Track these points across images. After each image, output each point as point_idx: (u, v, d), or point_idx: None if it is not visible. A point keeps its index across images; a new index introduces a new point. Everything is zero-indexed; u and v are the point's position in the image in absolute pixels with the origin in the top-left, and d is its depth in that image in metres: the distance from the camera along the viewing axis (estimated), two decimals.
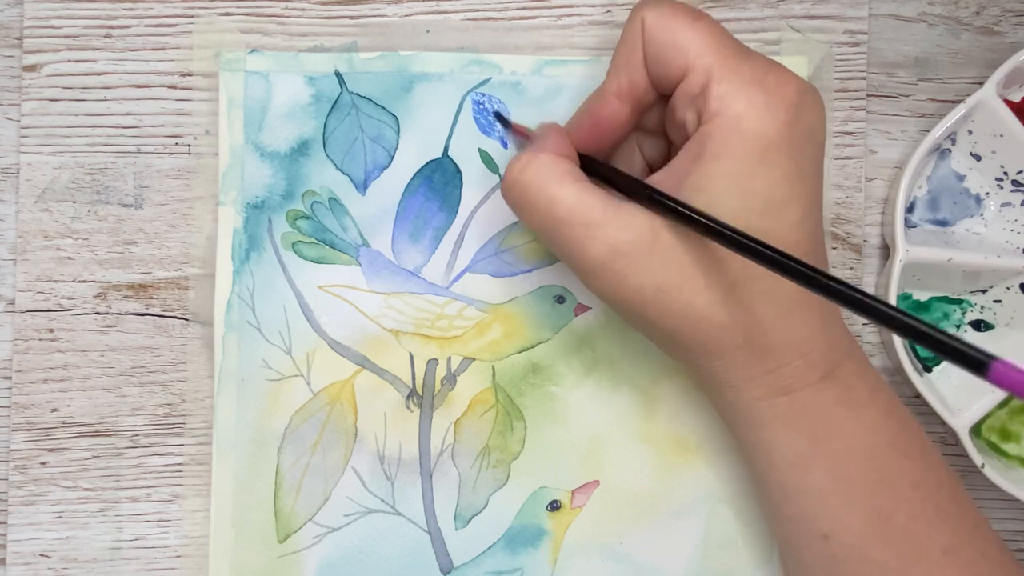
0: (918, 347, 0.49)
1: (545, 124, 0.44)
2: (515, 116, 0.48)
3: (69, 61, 0.48)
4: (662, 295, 0.39)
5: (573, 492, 0.48)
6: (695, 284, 0.39)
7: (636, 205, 0.39)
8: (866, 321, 0.49)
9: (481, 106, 0.48)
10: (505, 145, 0.48)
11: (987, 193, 0.49)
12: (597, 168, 0.42)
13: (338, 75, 0.48)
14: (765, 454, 0.41)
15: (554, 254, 0.42)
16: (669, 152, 0.45)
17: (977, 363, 0.31)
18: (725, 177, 0.38)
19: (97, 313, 0.48)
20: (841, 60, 0.49)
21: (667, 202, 0.38)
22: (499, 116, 0.48)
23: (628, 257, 0.39)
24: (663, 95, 0.42)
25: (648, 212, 0.39)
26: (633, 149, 0.46)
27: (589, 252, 0.39)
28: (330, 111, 0.48)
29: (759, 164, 0.38)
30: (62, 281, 0.48)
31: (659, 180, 0.40)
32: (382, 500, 0.48)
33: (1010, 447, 0.48)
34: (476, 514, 0.48)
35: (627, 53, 0.41)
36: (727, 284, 0.39)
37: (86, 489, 0.48)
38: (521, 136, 0.48)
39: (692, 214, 0.37)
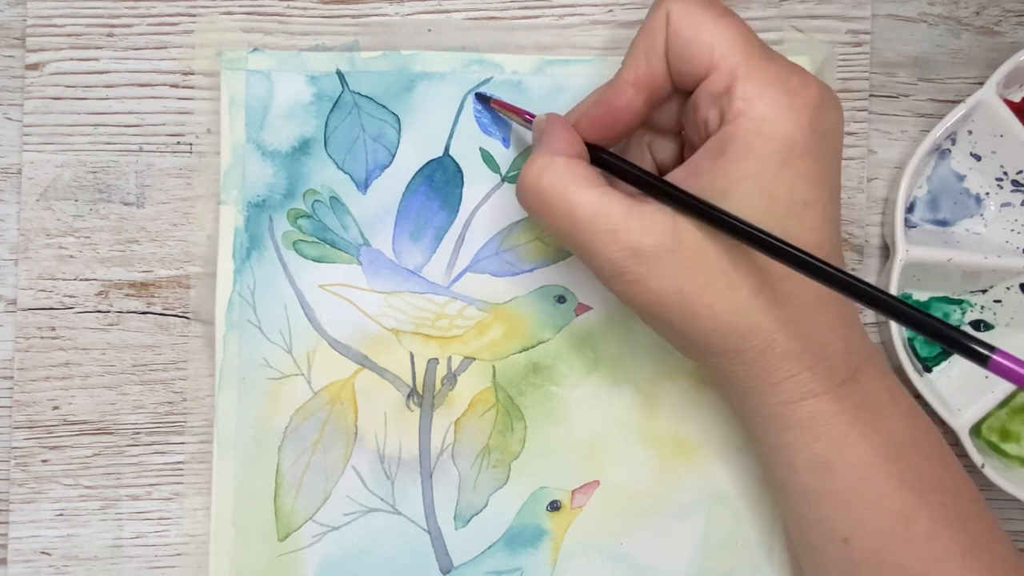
0: (918, 347, 0.49)
1: (548, 116, 0.43)
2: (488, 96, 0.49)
3: (71, 60, 0.48)
4: (683, 298, 0.38)
5: (573, 492, 0.48)
6: (716, 287, 0.38)
7: (656, 206, 0.39)
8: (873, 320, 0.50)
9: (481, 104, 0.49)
10: (507, 144, 0.48)
11: (987, 193, 0.49)
12: (612, 163, 0.42)
13: (339, 74, 0.48)
14: (786, 458, 0.41)
15: (574, 255, 0.41)
16: (681, 153, 0.45)
17: (979, 356, 0.32)
18: (748, 179, 0.38)
19: (99, 311, 0.48)
20: (844, 60, 0.49)
21: (693, 203, 0.38)
22: (480, 96, 0.48)
23: (650, 260, 0.38)
24: (680, 91, 0.42)
25: (669, 213, 0.38)
26: (643, 149, 0.45)
27: (610, 256, 0.38)
28: (331, 110, 0.48)
29: (783, 166, 0.38)
30: (64, 279, 0.48)
31: (677, 179, 0.40)
32: (382, 499, 0.48)
33: (1010, 447, 0.48)
34: (476, 514, 0.48)
35: (647, 43, 0.41)
36: (748, 288, 0.39)
37: (87, 487, 0.48)
38: (506, 112, 0.47)
39: (720, 215, 0.37)
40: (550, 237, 0.48)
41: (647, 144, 0.45)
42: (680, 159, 0.45)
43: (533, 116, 0.45)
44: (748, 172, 0.38)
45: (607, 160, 0.42)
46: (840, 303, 0.40)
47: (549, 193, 0.39)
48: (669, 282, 0.38)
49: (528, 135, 0.48)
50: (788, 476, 0.41)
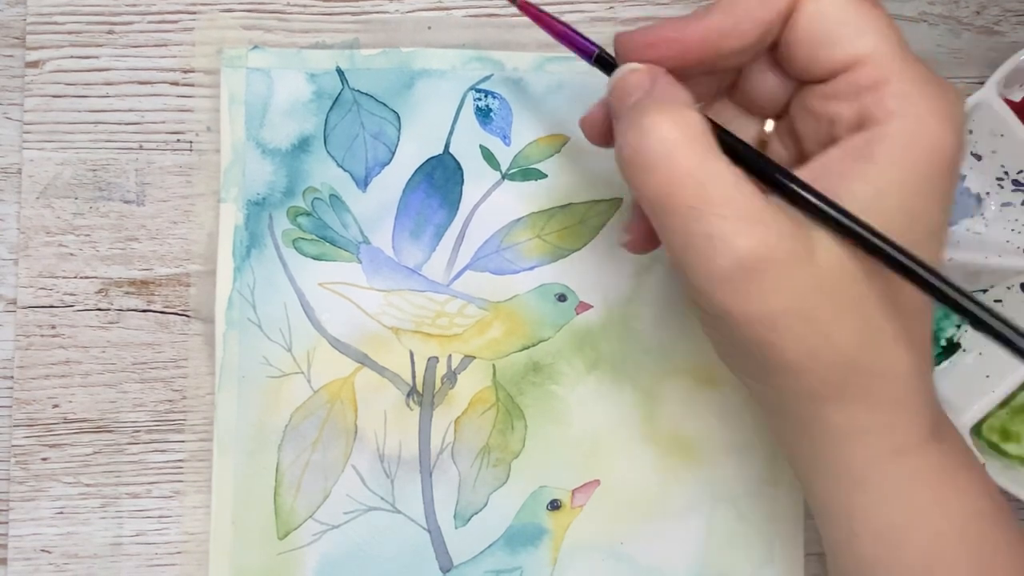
0: None
1: (646, 66, 0.36)
2: (516, 114, 0.48)
3: (72, 57, 0.48)
4: (804, 324, 0.33)
5: (573, 491, 0.48)
6: (843, 317, 0.33)
7: (788, 207, 0.34)
8: None
9: (482, 102, 0.49)
10: (507, 142, 0.48)
11: (987, 193, 0.49)
12: (742, 150, 0.35)
13: (339, 72, 0.48)
14: (850, 522, 0.37)
15: (673, 244, 0.34)
16: (764, 140, 0.40)
17: None
18: (897, 191, 0.33)
19: (99, 309, 0.48)
20: None
21: (845, 220, 0.33)
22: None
23: (781, 269, 0.32)
24: (795, 77, 0.37)
25: (805, 220, 0.33)
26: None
27: (738, 251, 0.32)
28: (331, 108, 0.48)
29: (930, 182, 0.33)
30: (64, 277, 0.48)
31: (807, 179, 0.34)
32: (382, 498, 0.48)
33: (1010, 447, 0.48)
34: (476, 513, 0.48)
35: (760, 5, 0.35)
36: (872, 322, 0.34)
37: (87, 485, 0.48)
38: (530, 17, 0.41)
39: (877, 240, 0.32)
40: (543, 235, 0.48)
41: (725, 121, 0.39)
42: (762, 148, 0.40)
43: (568, 32, 0.40)
44: (898, 183, 0.33)
45: (734, 144, 0.35)
46: (930, 352, 0.37)
47: (681, 154, 0.32)
48: (794, 299, 0.33)
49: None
50: (848, 543, 0.37)
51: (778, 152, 0.39)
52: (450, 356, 0.48)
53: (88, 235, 0.48)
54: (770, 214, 0.32)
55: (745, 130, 0.40)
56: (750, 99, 0.39)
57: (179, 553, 0.48)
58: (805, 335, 0.33)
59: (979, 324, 0.32)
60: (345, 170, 0.48)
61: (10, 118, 0.49)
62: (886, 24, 0.34)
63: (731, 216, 0.32)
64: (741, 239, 0.32)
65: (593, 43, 0.39)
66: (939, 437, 0.36)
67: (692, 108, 0.34)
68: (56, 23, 0.48)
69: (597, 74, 0.43)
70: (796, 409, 0.36)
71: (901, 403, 0.35)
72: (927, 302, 0.36)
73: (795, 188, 0.34)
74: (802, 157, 0.37)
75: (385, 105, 0.48)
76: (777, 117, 0.39)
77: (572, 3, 0.49)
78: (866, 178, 0.33)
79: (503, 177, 0.48)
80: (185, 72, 0.49)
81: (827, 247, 0.33)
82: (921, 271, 0.33)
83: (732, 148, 0.35)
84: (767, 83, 0.38)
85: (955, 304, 0.32)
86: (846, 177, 0.34)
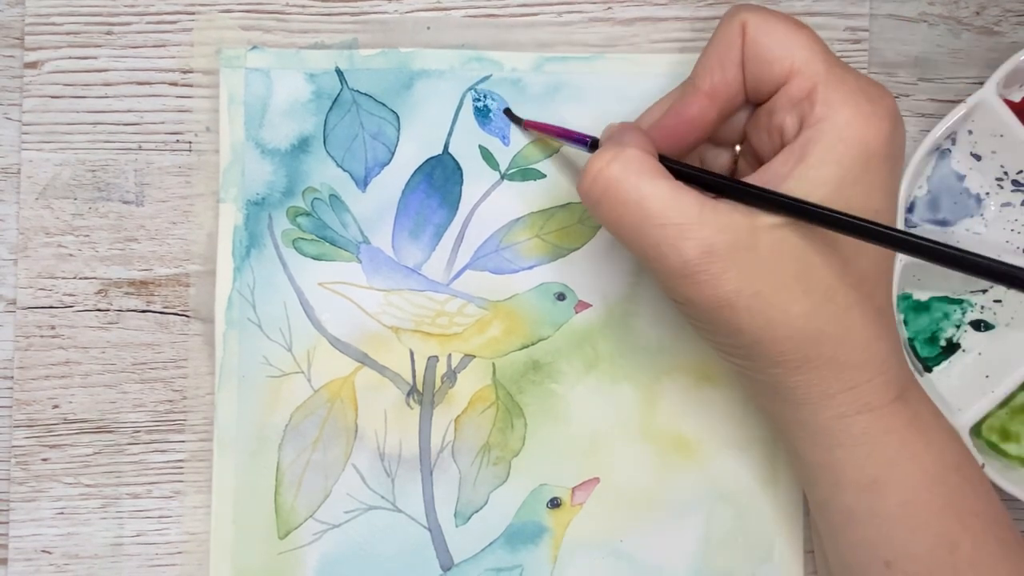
0: (918, 347, 0.49)
1: (620, 124, 0.43)
2: (516, 113, 0.48)
3: (70, 58, 0.48)
4: (758, 300, 0.37)
5: (573, 489, 0.48)
6: (792, 291, 0.38)
7: (731, 206, 0.38)
8: None
9: (481, 102, 0.48)
10: (506, 142, 0.48)
11: (987, 193, 0.49)
12: (681, 169, 0.41)
13: (339, 72, 0.48)
14: (833, 476, 0.41)
15: (635, 254, 0.40)
16: (734, 165, 0.45)
17: None
18: (829, 183, 0.37)
19: (98, 310, 0.48)
20: (842, 57, 0.49)
21: (781, 199, 0.37)
22: (509, 112, 0.48)
23: (726, 259, 0.37)
24: (751, 101, 0.42)
25: (746, 213, 0.38)
26: (695, 161, 0.45)
27: (683, 253, 0.37)
28: (331, 108, 0.48)
29: (862, 172, 0.38)
30: (63, 278, 0.48)
31: (758, 183, 0.39)
32: (382, 497, 0.48)
33: (1010, 447, 0.48)
34: (476, 511, 0.48)
35: (722, 52, 0.41)
36: (822, 293, 0.38)
37: (87, 485, 0.48)
38: (536, 130, 0.48)
39: (810, 207, 0.37)
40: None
41: (699, 155, 0.45)
42: (733, 171, 0.45)
43: (569, 132, 0.46)
44: (828, 175, 0.38)
45: (678, 168, 0.41)
46: (893, 318, 0.41)
47: (619, 182, 0.38)
48: (746, 283, 0.37)
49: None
50: (833, 495, 0.41)
51: (743, 171, 0.45)
52: (450, 355, 0.48)
53: (87, 236, 0.48)
54: (709, 216, 0.37)
55: (718, 159, 0.45)
56: (716, 133, 0.44)
57: (180, 553, 0.48)
58: (760, 310, 0.38)
59: (916, 250, 0.36)
60: (345, 170, 0.48)
61: (9, 118, 0.48)
62: (813, 41, 0.40)
63: (670, 224, 0.37)
64: (684, 242, 0.37)
65: (588, 135, 0.45)
66: (906, 399, 0.40)
67: (634, 147, 0.39)
68: (55, 24, 0.48)
69: (595, 75, 0.49)
70: (769, 379, 0.40)
71: (863, 366, 0.39)
72: (883, 272, 0.40)
73: (730, 184, 0.39)
74: None
75: (384, 105, 0.48)
76: (740, 142, 0.44)
77: (571, 3, 0.49)
78: (802, 176, 0.38)
79: (502, 177, 0.48)
80: (184, 72, 0.48)
81: (768, 232, 0.38)
82: (839, 216, 0.37)
83: (681, 172, 0.40)
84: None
85: (879, 236, 0.36)
86: (787, 177, 0.38)
